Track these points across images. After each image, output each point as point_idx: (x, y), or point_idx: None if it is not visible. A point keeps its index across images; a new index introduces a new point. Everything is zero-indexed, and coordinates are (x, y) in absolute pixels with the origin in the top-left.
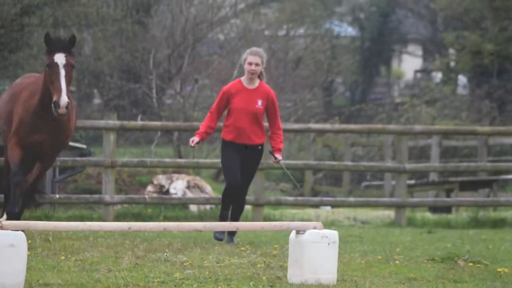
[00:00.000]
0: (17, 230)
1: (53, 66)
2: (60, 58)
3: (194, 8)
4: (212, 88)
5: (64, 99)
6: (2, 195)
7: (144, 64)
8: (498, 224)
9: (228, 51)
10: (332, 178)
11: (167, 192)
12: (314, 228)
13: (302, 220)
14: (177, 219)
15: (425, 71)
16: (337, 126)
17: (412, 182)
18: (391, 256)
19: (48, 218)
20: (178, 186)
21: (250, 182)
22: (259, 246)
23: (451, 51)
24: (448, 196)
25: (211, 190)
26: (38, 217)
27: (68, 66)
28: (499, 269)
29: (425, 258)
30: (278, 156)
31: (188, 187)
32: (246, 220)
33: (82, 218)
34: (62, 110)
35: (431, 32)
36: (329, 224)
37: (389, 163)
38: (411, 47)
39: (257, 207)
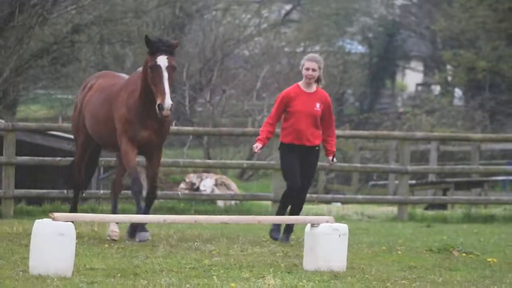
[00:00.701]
0: (67, 221)
1: (156, 68)
2: (162, 61)
3: (223, 28)
4: (238, 97)
5: (168, 101)
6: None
7: (178, 76)
8: (488, 219)
9: (252, 65)
10: (342, 178)
11: (198, 189)
12: (327, 222)
13: (316, 214)
14: (206, 212)
15: (425, 85)
16: (348, 132)
17: (413, 182)
18: (394, 247)
19: (93, 211)
20: (207, 184)
21: (311, 182)
22: None
23: (449, 67)
24: (444, 194)
25: (236, 188)
26: (85, 210)
27: (170, 68)
28: (488, 259)
29: (424, 249)
30: (334, 159)
31: (216, 184)
32: (266, 214)
33: (123, 211)
34: (166, 112)
35: (431, 50)
36: (339, 219)
37: (393, 165)
38: (413, 63)
39: (276, 203)
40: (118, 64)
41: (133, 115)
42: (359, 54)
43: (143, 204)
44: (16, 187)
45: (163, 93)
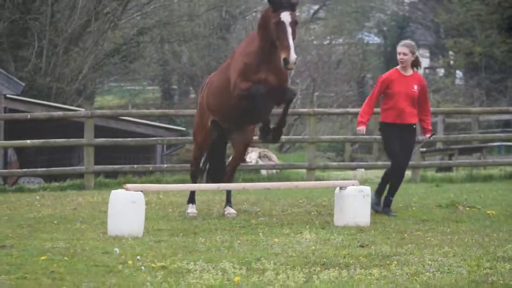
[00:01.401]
0: (138, 191)
1: (280, 24)
2: (286, 16)
3: None
4: None
5: (293, 56)
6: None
7: None
8: (487, 179)
9: None
10: (365, 148)
11: (244, 161)
12: (353, 185)
13: (344, 179)
14: (251, 180)
15: (431, 68)
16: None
17: (424, 149)
18: (409, 204)
19: (159, 181)
20: (252, 156)
21: (410, 157)
22: (312, 199)
23: (451, 53)
24: (450, 159)
25: (276, 159)
26: (152, 181)
27: (293, 24)
28: (488, 212)
29: (434, 205)
30: (431, 137)
31: (259, 157)
32: (302, 180)
33: (183, 181)
34: (291, 66)
35: (435, 39)
36: (363, 182)
37: None
38: (421, 51)
39: (310, 171)
40: (176, 60)
41: (252, 59)
42: (375, 44)
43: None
44: (95, 163)
45: (288, 48)
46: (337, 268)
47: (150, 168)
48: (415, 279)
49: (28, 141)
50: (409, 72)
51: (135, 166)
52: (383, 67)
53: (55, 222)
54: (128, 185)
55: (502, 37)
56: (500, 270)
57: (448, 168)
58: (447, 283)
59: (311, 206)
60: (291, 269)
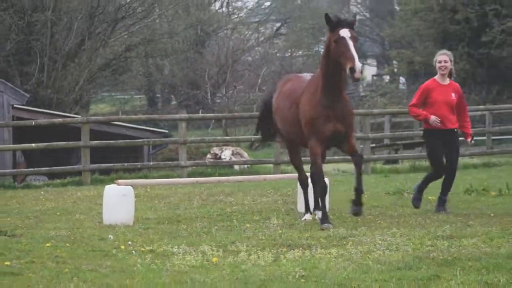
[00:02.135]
0: (128, 186)
1: (341, 40)
2: (345, 32)
3: (232, 41)
4: (245, 91)
5: (358, 64)
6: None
7: (202, 78)
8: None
9: (254, 68)
10: None
11: (220, 158)
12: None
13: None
14: (226, 174)
15: (378, 75)
16: None
17: (373, 145)
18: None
19: (146, 177)
20: (226, 154)
21: (458, 155)
22: (278, 189)
23: (395, 62)
24: (396, 153)
25: (247, 156)
26: (140, 177)
27: (354, 39)
28: (429, 197)
29: (383, 193)
30: (472, 141)
31: (232, 154)
32: (270, 173)
33: (167, 177)
34: (358, 74)
35: (381, 50)
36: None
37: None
38: (369, 60)
39: (276, 165)
40: (159, 72)
41: (317, 112)
42: None
43: (325, 202)
44: (91, 163)
45: (352, 58)
46: (301, 248)
47: (139, 166)
48: (368, 256)
49: (34, 144)
50: (447, 81)
51: (126, 164)
52: None
53: (58, 213)
54: (120, 181)
55: (438, 48)
56: (440, 247)
57: (395, 161)
58: (395, 259)
59: (278, 195)
60: (261, 250)
